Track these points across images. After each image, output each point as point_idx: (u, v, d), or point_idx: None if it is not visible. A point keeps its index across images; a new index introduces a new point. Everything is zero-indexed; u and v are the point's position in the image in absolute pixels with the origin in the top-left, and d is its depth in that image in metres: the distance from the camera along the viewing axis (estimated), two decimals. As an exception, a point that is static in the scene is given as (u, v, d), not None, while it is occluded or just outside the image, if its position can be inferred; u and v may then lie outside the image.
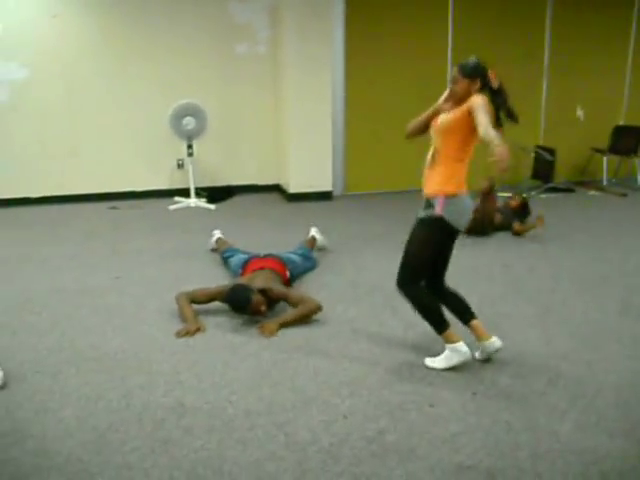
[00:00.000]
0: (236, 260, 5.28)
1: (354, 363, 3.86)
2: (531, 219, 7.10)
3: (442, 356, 3.81)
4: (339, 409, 3.36)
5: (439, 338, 3.81)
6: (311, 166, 8.16)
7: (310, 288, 5.11)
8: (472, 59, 3.61)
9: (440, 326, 3.76)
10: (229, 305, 4.41)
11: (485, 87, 3.59)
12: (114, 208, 7.97)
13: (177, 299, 4.54)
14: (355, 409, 3.36)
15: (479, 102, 3.44)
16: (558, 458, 2.97)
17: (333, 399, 3.46)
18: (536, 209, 7.83)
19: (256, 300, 4.32)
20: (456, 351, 3.77)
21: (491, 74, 3.59)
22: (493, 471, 2.87)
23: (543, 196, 8.99)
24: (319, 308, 4.47)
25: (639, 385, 3.70)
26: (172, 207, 7.93)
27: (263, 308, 4.38)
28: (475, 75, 3.56)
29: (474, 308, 4.61)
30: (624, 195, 9.20)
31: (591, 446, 3.07)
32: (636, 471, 2.90)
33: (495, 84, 3.60)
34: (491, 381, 3.70)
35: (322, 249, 6.04)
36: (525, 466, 2.91)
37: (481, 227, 6.64)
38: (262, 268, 4.92)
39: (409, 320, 4.37)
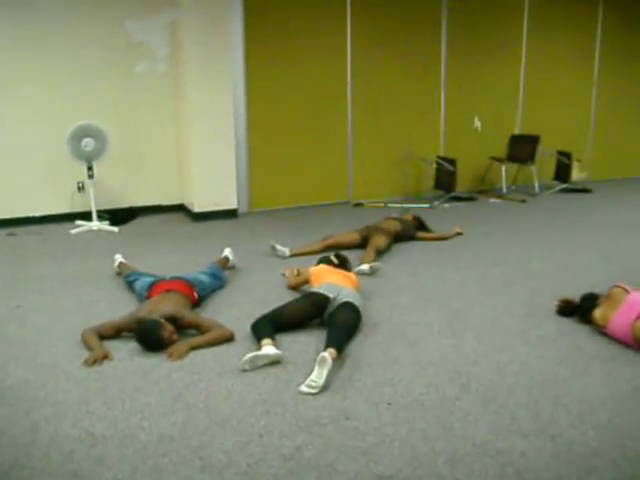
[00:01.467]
0: (141, 283, 5.14)
1: (267, 380, 3.81)
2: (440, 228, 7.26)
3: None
4: (254, 428, 3.30)
5: (348, 355, 3.80)
6: (215, 184, 8.08)
7: (220, 307, 5.04)
8: None
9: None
10: (141, 346, 4.26)
11: None
12: (12, 234, 7.66)
13: (82, 335, 4.37)
14: (271, 427, 3.31)
15: None
16: (475, 462, 3.00)
17: (248, 418, 3.39)
18: (442, 219, 8.02)
19: (167, 335, 4.20)
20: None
21: None
22: (412, 479, 2.87)
23: (446, 205, 9.17)
24: (232, 336, 4.39)
25: (548, 385, 3.79)
26: (74, 231, 7.70)
27: (175, 337, 4.27)
28: None
29: (385, 318, 4.68)
30: (523, 201, 9.49)
31: (506, 447, 3.12)
32: (550, 469, 2.95)
33: None
34: (405, 390, 3.71)
35: (231, 268, 5.97)
36: (443, 472, 2.92)
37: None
38: (169, 291, 4.81)
39: (318, 336, 4.37)
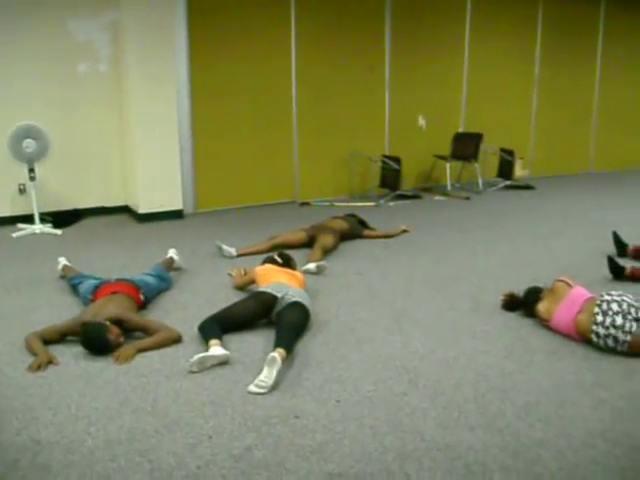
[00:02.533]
0: (86, 286, 5.06)
1: (216, 381, 3.78)
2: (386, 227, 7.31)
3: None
4: (203, 429, 3.27)
5: (296, 354, 3.80)
6: (160, 185, 7.99)
7: (166, 309, 4.99)
8: None
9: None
10: (86, 350, 4.19)
11: None
12: (-50, 240, 7.47)
13: (25, 340, 4.28)
14: (220, 428, 3.29)
15: None
16: (424, 456, 3.03)
17: (197, 420, 3.36)
18: (388, 217, 8.08)
19: (113, 338, 4.14)
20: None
21: None
22: (363, 476, 2.88)
23: (392, 204, 9.24)
24: (179, 338, 4.35)
25: (495, 378, 3.84)
26: (15, 234, 7.53)
27: (121, 340, 4.21)
28: None
29: (333, 316, 4.70)
30: (467, 198, 9.62)
31: (454, 441, 3.15)
32: (498, 460, 2.99)
33: None
34: (353, 387, 3.73)
35: (177, 269, 5.92)
36: (393, 468, 2.94)
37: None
38: (114, 293, 4.73)
39: (266, 336, 4.36)
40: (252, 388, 3.67)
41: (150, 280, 5.20)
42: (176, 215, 8.12)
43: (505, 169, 10.49)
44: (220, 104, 8.55)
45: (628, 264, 5.73)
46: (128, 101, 7.86)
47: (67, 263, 5.79)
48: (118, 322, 4.27)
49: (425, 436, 3.21)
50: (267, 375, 3.69)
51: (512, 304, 4.96)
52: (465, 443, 3.14)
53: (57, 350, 4.20)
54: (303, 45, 8.97)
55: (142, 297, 4.92)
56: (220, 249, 6.37)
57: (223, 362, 3.99)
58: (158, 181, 7.96)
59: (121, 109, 8.17)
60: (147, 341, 4.26)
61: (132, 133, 7.87)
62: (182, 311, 4.94)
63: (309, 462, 2.99)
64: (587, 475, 2.89)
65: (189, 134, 8.34)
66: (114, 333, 4.16)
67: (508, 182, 10.46)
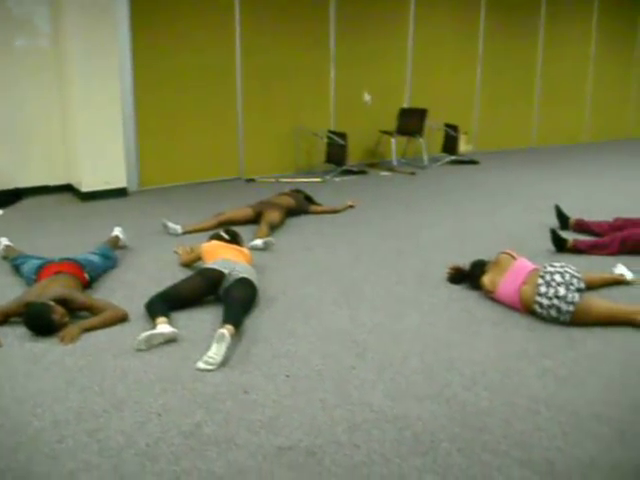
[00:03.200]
0: (29, 266, 4.95)
1: (164, 359, 3.76)
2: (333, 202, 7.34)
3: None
4: (152, 408, 3.25)
5: (244, 330, 3.80)
6: (103, 163, 7.84)
7: (112, 287, 4.92)
8: None
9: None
10: (31, 331, 4.11)
11: None
12: None
13: None
14: (169, 406, 3.27)
15: None
16: (373, 428, 3.06)
17: (145, 398, 3.34)
18: (334, 193, 8.10)
19: (58, 318, 4.07)
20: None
21: None
22: (313, 449, 2.90)
23: (337, 179, 9.24)
24: (125, 317, 4.30)
25: (441, 350, 3.90)
26: (-47, 215, 7.34)
27: (66, 320, 4.14)
28: None
29: (280, 291, 4.70)
30: (413, 174, 9.68)
31: (403, 412, 3.19)
32: (445, 430, 3.04)
33: None
34: (302, 362, 3.74)
35: (123, 247, 5.84)
36: (343, 440, 2.97)
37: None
38: (58, 273, 4.64)
39: (214, 313, 4.35)
40: (201, 365, 3.66)
41: (95, 259, 5.11)
42: (120, 193, 7.99)
43: (449, 144, 10.58)
44: (164, 80, 8.41)
45: (570, 237, 5.86)
46: (69, 77, 7.68)
47: (9, 243, 5.66)
48: (63, 302, 4.19)
49: (374, 408, 3.24)
50: (216, 351, 3.68)
51: (457, 277, 5.03)
52: (413, 413, 3.18)
53: (0, 332, 4.12)
54: (248, 20, 8.85)
55: (87, 276, 4.83)
56: (165, 227, 6.31)
57: (171, 340, 3.96)
58: (101, 159, 7.80)
59: (62, 85, 7.97)
60: (93, 320, 4.20)
61: (74, 110, 7.70)
62: (128, 290, 4.88)
63: (259, 437, 3.00)
64: (532, 441, 2.96)
65: (132, 111, 8.19)
66: (59, 313, 4.08)
67: (452, 157, 10.56)
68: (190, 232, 6.28)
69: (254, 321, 4.29)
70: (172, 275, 5.06)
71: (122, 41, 7.90)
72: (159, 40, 8.28)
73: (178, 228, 6.28)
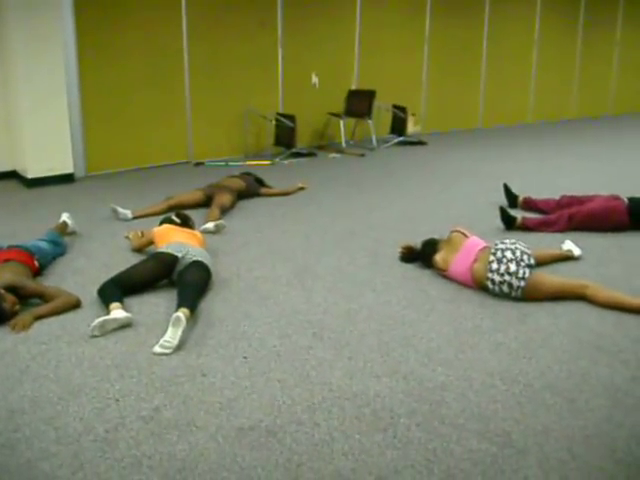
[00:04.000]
0: (-24, 255, 4.85)
1: (119, 344, 3.72)
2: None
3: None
4: (110, 393, 3.22)
5: (200, 313, 3.78)
6: (49, 148, 7.67)
7: (62, 274, 4.84)
8: None
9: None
10: None
11: None
12: None
13: None
14: (127, 391, 3.24)
15: None
16: (333, 406, 3.09)
17: (102, 384, 3.31)
18: (283, 175, 8.10)
19: (9, 306, 3.99)
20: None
21: None
22: (273, 428, 2.91)
23: (287, 162, 9.22)
24: (78, 303, 4.24)
25: (397, 327, 3.95)
26: None
27: (17, 308, 4.06)
28: None
29: (234, 274, 4.70)
30: (362, 155, 9.71)
31: (361, 389, 3.23)
32: (404, 405, 3.09)
33: None
34: (259, 343, 3.75)
35: (72, 233, 5.74)
36: (303, 419, 2.99)
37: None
38: (7, 261, 4.55)
39: (168, 297, 4.32)
40: (157, 349, 3.63)
41: (44, 246, 5.02)
42: (67, 179, 7.84)
43: (398, 125, 10.63)
44: (109, 63, 8.26)
45: (519, 215, 5.95)
46: (11, 61, 7.49)
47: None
48: (13, 289, 4.11)
49: (332, 386, 3.27)
50: (172, 335, 3.66)
51: (410, 256, 5.08)
52: (372, 391, 3.22)
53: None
54: (194, 2, 8.75)
55: (37, 263, 4.75)
56: (115, 212, 6.23)
57: (125, 325, 3.93)
58: (46, 145, 7.64)
59: (4, 70, 7.78)
60: (45, 307, 4.13)
61: (17, 95, 7.52)
62: (79, 276, 4.81)
63: (219, 418, 3.00)
64: (488, 414, 3.02)
65: (78, 96, 8.03)
66: (9, 301, 4.01)
67: (401, 138, 10.60)
68: (140, 217, 6.21)
69: (209, 304, 4.28)
70: (124, 260, 5.00)
71: (66, 25, 7.72)
72: (104, 22, 8.11)
73: (128, 213, 6.20)
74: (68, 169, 7.88)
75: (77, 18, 7.85)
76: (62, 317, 4.08)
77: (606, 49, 14.72)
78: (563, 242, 5.28)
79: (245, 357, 3.58)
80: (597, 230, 5.71)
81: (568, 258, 5.09)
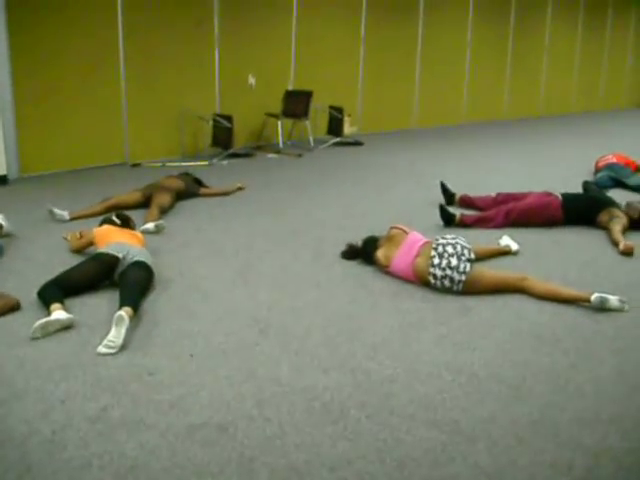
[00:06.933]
0: None
1: (62, 346, 3.65)
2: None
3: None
4: (54, 395, 3.16)
5: (143, 313, 3.82)
6: (-21, 150, 7.49)
7: (-1, 276, 4.74)
8: None
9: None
10: None
11: None
12: None
13: None
14: (72, 392, 3.19)
15: None
16: (282, 400, 3.10)
17: (46, 386, 3.24)
18: (221, 176, 8.08)
19: None
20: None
21: None
22: (224, 424, 2.91)
23: (224, 162, 9.19)
24: (17, 305, 4.14)
25: (342, 322, 3.98)
26: None
27: None
28: None
29: (176, 273, 4.66)
30: (300, 155, 9.74)
31: (310, 384, 3.25)
32: (353, 398, 3.12)
33: None
34: (205, 341, 3.73)
35: (7, 235, 5.60)
36: (253, 414, 2.99)
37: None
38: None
39: (109, 298, 4.26)
40: (101, 349, 3.58)
41: (-21, 248, 4.90)
42: (0, 181, 7.65)
43: (335, 126, 10.70)
44: (43, 64, 8.06)
45: (457, 212, 6.06)
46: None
47: None
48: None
49: (281, 381, 3.28)
50: (115, 335, 3.61)
51: (351, 253, 5.12)
52: (320, 385, 3.24)
53: None
54: (130, 1, 8.63)
55: (-29, 266, 4.64)
56: (52, 213, 6.10)
57: (67, 326, 3.86)
58: (-23, 145, 7.45)
59: None
60: (-18, 310, 4.03)
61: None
62: (17, 278, 4.69)
63: (168, 416, 2.98)
64: (436, 403, 3.08)
65: (10, 96, 7.83)
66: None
67: (338, 139, 10.67)
68: (78, 218, 6.09)
69: (152, 303, 4.23)
70: (62, 262, 4.89)
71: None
72: (37, 23, 7.93)
73: (65, 214, 6.09)
74: (1, 171, 7.69)
75: (9, 17, 7.64)
76: (1, 320, 3.98)
77: (536, 53, 15.14)
78: (501, 238, 5.40)
79: (191, 355, 3.56)
80: (533, 225, 5.86)
81: (506, 253, 5.21)
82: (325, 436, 2.82)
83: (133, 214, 5.72)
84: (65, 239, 5.43)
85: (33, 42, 7.94)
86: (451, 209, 6.10)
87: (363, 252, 5.03)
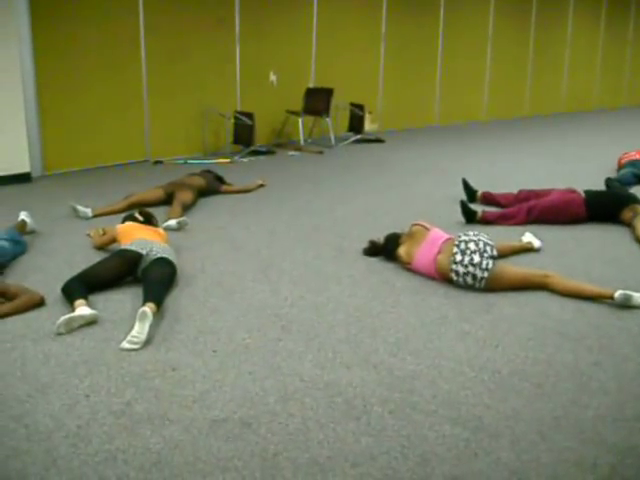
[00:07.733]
0: None
1: (86, 341, 3.68)
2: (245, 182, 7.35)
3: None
4: (79, 390, 3.19)
5: (166, 309, 3.86)
6: (5, 147, 7.52)
7: (24, 273, 4.76)
8: None
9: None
10: None
11: None
12: None
13: None
14: (97, 387, 3.21)
15: None
16: (305, 396, 3.10)
17: (71, 380, 3.27)
18: (243, 173, 8.09)
19: None
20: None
21: None
22: (247, 419, 2.92)
23: (246, 160, 9.21)
24: (42, 301, 4.17)
25: (365, 319, 3.98)
26: None
27: None
28: None
29: (199, 270, 4.67)
30: (321, 153, 9.74)
31: (333, 379, 3.25)
32: (376, 394, 3.12)
33: None
34: (228, 337, 3.74)
35: (31, 232, 5.66)
36: (276, 409, 3.00)
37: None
38: (-34, 260, 4.49)
39: (133, 294, 4.29)
40: (125, 344, 3.61)
41: (4, 245, 4.93)
42: (23, 178, 7.71)
43: (355, 123, 10.69)
44: (66, 61, 8.12)
45: (479, 209, 6.04)
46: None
47: None
48: (-26, 288, 4.06)
49: (304, 377, 3.28)
50: (139, 330, 3.64)
51: (373, 250, 5.12)
52: (343, 380, 3.24)
53: None
54: (150, 2, 8.68)
55: (-3, 262, 4.69)
56: (75, 210, 6.15)
57: (91, 322, 3.89)
58: (2, 143, 7.49)
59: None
60: (7, 306, 4.06)
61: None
62: (41, 274, 4.73)
63: (192, 411, 3.00)
64: (459, 399, 3.07)
65: (34, 94, 7.90)
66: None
67: (359, 136, 10.66)
68: (101, 215, 6.14)
69: (175, 300, 4.26)
70: (86, 258, 4.94)
71: (21, 21, 7.58)
72: (61, 19, 7.99)
73: (88, 211, 6.13)
74: (24, 168, 7.75)
75: (33, 14, 7.72)
76: (26, 316, 4.01)
77: (557, 49, 15.03)
78: (523, 234, 5.37)
79: (214, 351, 3.58)
80: (555, 223, 5.82)
81: (528, 250, 5.19)
82: (348, 432, 2.83)
83: (155, 211, 5.75)
84: (88, 236, 5.47)
85: (56, 41, 8.01)
86: (473, 206, 6.08)
87: (385, 249, 5.03)
